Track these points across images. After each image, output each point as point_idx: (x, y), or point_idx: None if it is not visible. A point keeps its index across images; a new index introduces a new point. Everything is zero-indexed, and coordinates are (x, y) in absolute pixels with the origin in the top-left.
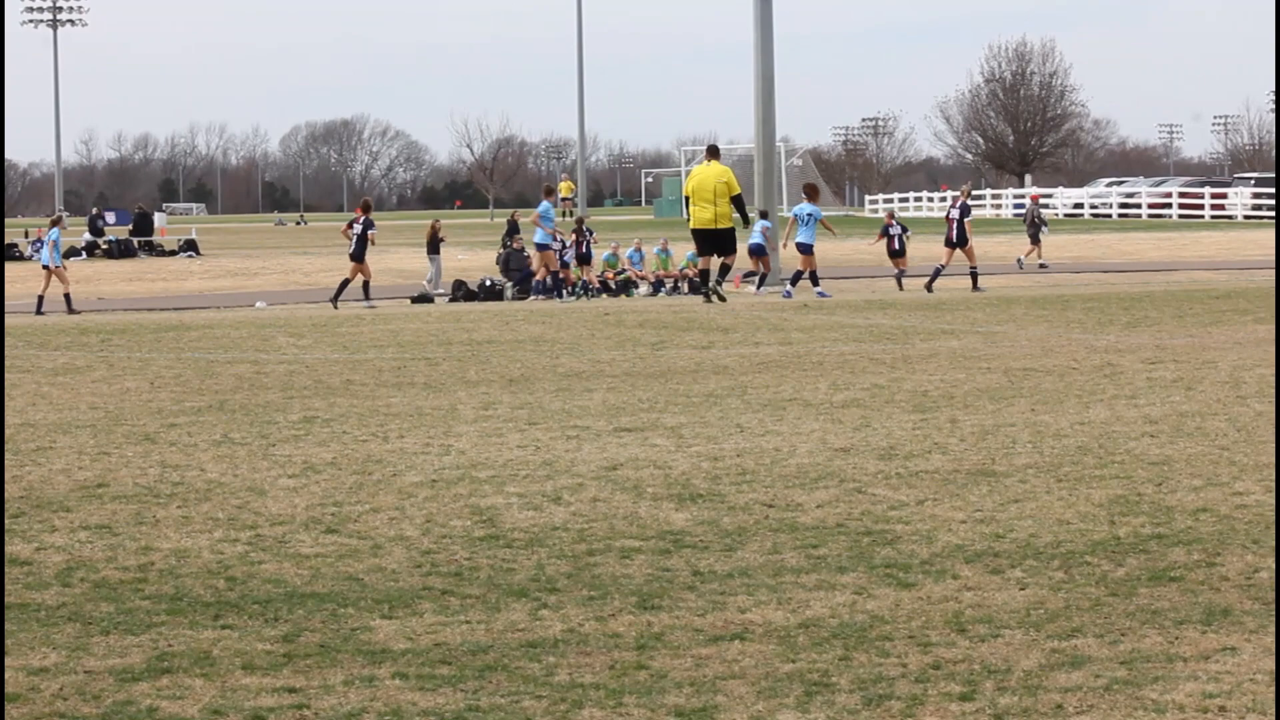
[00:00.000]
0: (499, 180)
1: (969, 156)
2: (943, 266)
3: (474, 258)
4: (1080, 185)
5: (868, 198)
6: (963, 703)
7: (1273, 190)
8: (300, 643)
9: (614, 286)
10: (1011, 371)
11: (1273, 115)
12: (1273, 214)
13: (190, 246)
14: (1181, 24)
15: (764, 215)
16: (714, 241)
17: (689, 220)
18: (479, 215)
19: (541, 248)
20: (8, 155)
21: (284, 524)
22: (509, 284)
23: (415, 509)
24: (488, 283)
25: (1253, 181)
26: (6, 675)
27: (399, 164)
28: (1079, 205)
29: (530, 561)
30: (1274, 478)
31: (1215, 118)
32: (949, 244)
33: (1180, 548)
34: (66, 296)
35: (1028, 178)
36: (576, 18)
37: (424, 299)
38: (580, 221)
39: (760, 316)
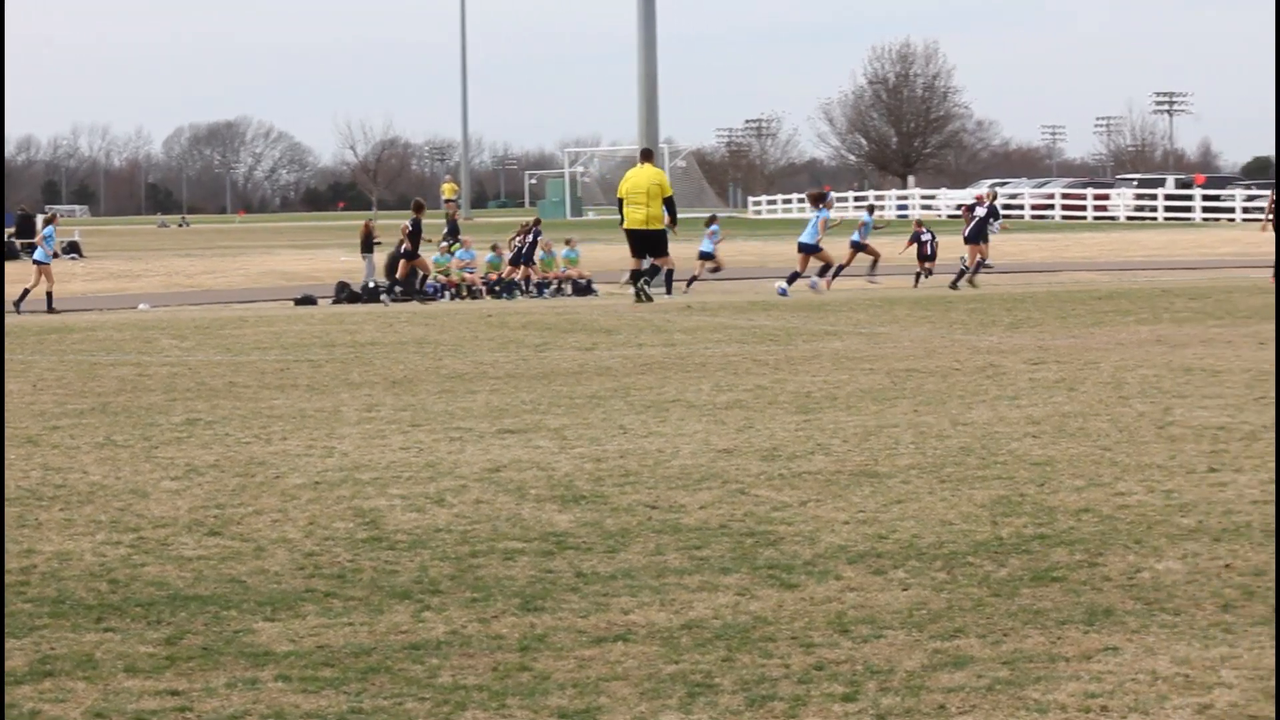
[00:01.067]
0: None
1: (852, 158)
2: (978, 263)
3: (357, 260)
4: (963, 187)
5: (750, 199)
6: (845, 703)
7: (1154, 191)
8: (183, 645)
9: (497, 289)
10: (894, 372)
11: (1155, 116)
12: (1154, 215)
13: (73, 248)
14: (1064, 26)
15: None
16: (645, 242)
17: (623, 221)
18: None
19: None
20: None
21: (167, 526)
22: (392, 288)
23: (298, 511)
24: (371, 285)
25: (1135, 183)
26: None
27: (282, 166)
28: (960, 206)
29: (413, 563)
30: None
31: (1098, 119)
32: (969, 240)
33: (1062, 548)
34: (48, 295)
35: (910, 179)
36: (460, 18)
37: (355, 298)
38: (537, 221)
39: (643, 318)
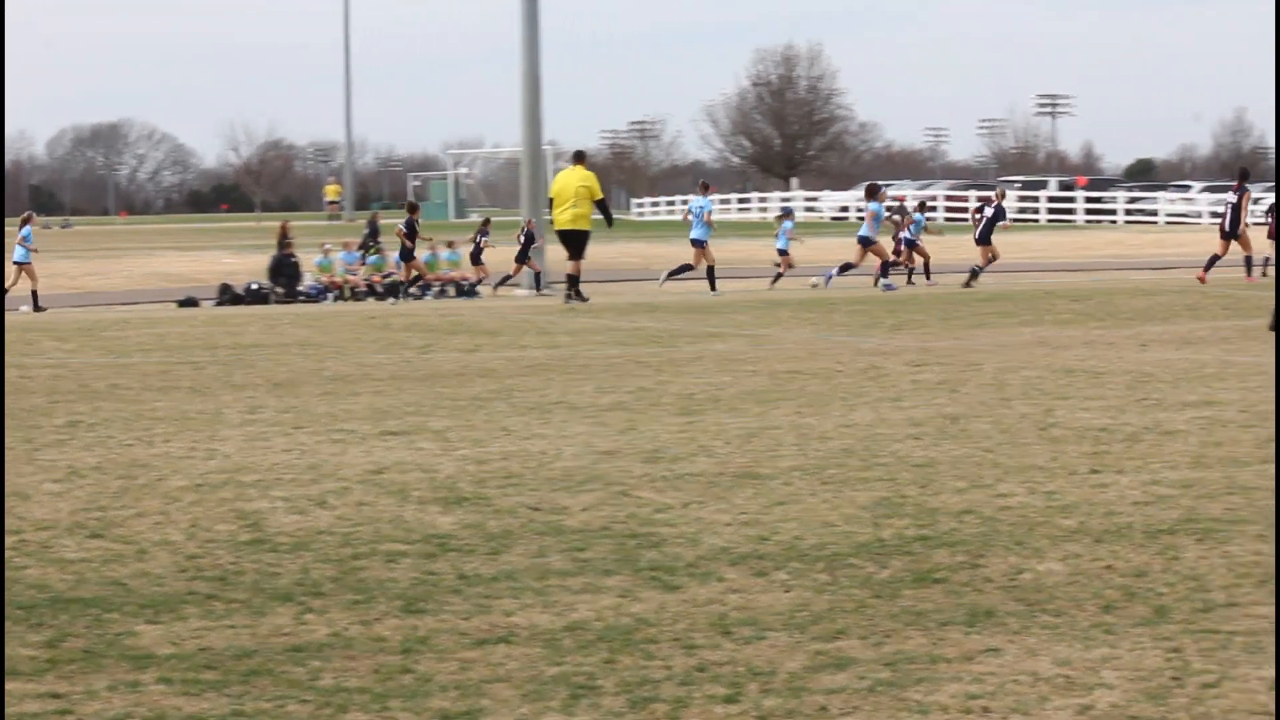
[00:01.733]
0: (266, 183)
1: (736, 160)
2: (979, 266)
3: (240, 261)
4: (846, 188)
5: (634, 201)
6: (728, 705)
7: (1037, 193)
8: (64, 648)
9: (380, 290)
10: (777, 374)
11: (1038, 119)
12: (1037, 217)
13: None
14: (948, 28)
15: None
16: (572, 242)
17: (553, 223)
18: (245, 219)
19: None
20: None
21: (48, 529)
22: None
23: (180, 513)
24: (254, 286)
25: (1018, 185)
26: None
27: (165, 167)
28: (845, 208)
29: (295, 565)
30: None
31: (981, 121)
32: (980, 241)
33: (944, 549)
34: (33, 294)
35: (794, 181)
36: (344, 19)
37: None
38: (486, 222)
39: (527, 319)
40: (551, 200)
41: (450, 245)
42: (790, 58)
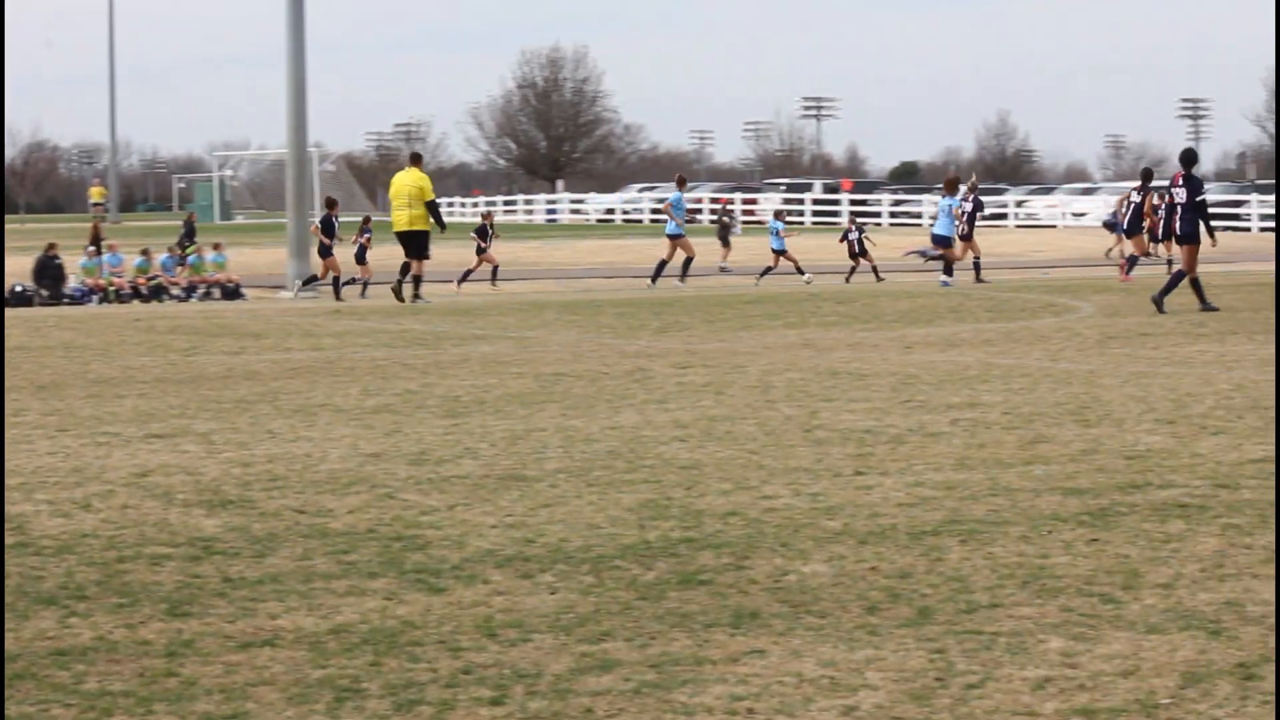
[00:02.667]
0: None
1: (501, 162)
2: (979, 260)
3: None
4: (612, 191)
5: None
6: (493, 707)
7: (802, 196)
8: None
9: (145, 292)
10: (542, 376)
11: (803, 121)
12: (802, 220)
13: None
14: (713, 30)
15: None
16: (410, 243)
17: (394, 224)
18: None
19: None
20: None
21: None
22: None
23: None
24: (18, 289)
25: (783, 187)
26: None
27: None
28: (610, 211)
29: (59, 569)
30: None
31: (746, 124)
32: (964, 238)
33: (709, 551)
34: None
35: (559, 183)
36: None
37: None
38: (367, 220)
39: (292, 322)
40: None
41: (216, 247)
42: (556, 60)
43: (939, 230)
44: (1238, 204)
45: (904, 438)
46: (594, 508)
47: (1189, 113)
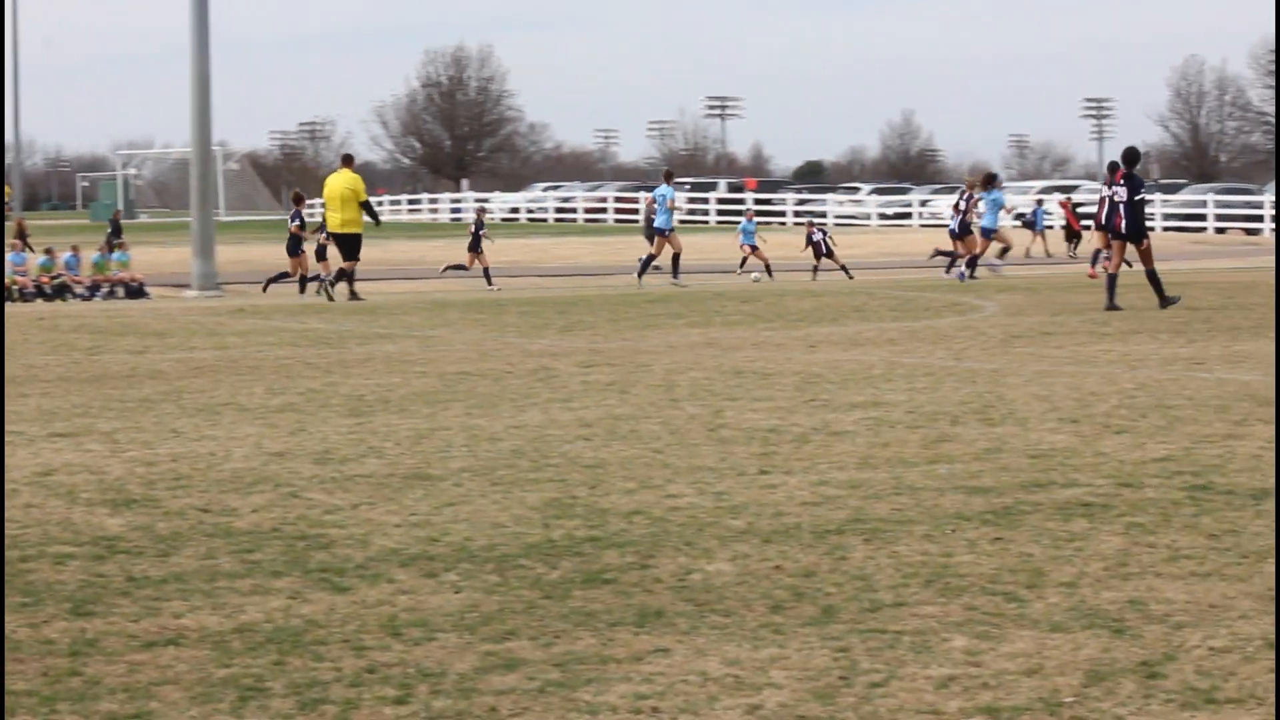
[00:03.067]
0: None
1: (406, 161)
2: (978, 255)
3: None
4: (517, 190)
5: (307, 201)
6: (397, 706)
7: (707, 195)
8: None
9: (49, 291)
10: (447, 375)
11: (708, 120)
12: (705, 218)
13: None
14: (618, 29)
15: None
16: (344, 244)
17: (328, 225)
18: None
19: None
20: None
21: None
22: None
23: None
24: None
25: (688, 186)
26: None
27: None
28: (515, 210)
29: None
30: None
31: (650, 123)
32: (957, 236)
33: (614, 550)
34: None
35: (464, 182)
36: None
37: None
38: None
39: (196, 321)
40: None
41: (120, 246)
42: (460, 59)
43: (986, 224)
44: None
45: (808, 437)
46: (498, 507)
47: (1092, 112)
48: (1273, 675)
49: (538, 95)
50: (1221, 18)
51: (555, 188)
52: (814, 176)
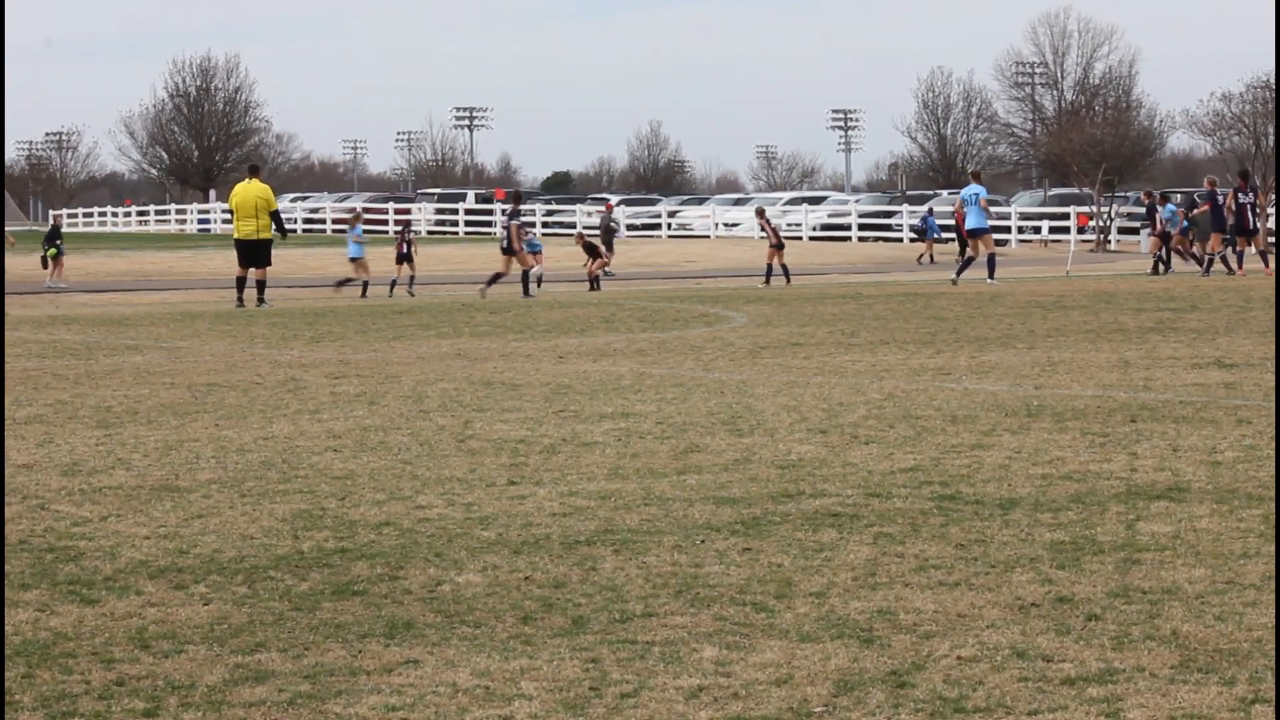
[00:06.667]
0: None
1: (154, 171)
2: (972, 257)
3: None
4: None
5: (52, 212)
6: (147, 718)
7: (456, 206)
8: None
9: None
10: (195, 387)
11: (456, 131)
12: (456, 230)
13: None
14: (365, 40)
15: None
16: (253, 252)
17: (235, 232)
18: None
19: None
20: None
21: None
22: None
23: None
24: None
25: (436, 197)
26: None
27: None
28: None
29: None
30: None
31: (398, 134)
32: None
33: (363, 561)
34: None
35: (212, 193)
36: None
37: None
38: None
39: None
40: (231, 211)
41: None
42: (207, 69)
43: (970, 224)
44: (889, 214)
45: (557, 447)
46: (247, 518)
47: (839, 124)
48: (1021, 684)
49: (286, 106)
50: (966, 29)
51: (304, 198)
52: (561, 187)
